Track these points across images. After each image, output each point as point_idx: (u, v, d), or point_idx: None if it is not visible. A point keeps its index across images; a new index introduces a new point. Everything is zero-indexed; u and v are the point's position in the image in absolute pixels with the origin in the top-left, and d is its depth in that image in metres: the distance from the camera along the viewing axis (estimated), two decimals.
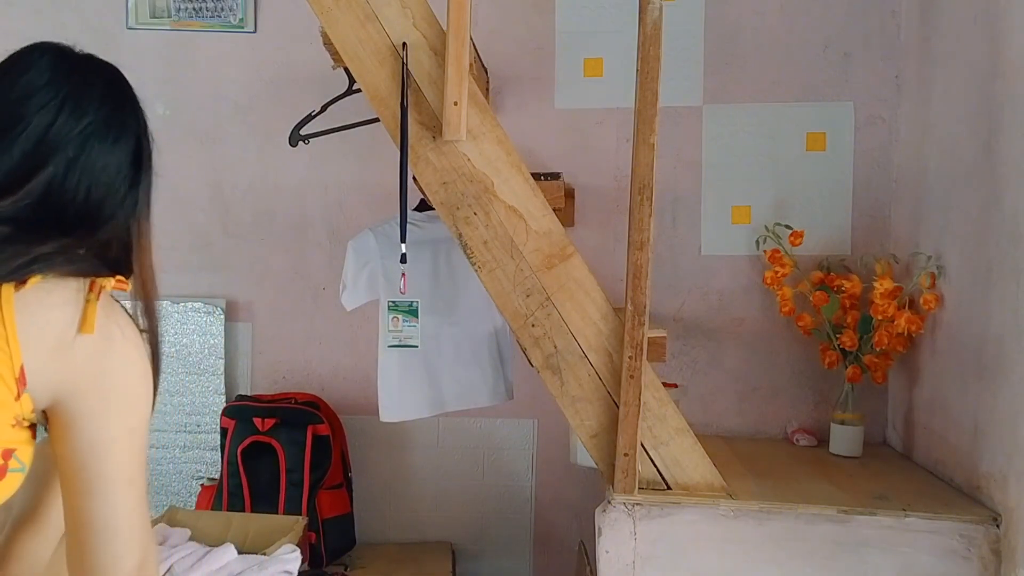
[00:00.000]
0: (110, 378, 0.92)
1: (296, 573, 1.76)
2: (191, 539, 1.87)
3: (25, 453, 0.90)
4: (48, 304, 0.88)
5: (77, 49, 1.02)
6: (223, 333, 2.48)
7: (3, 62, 0.98)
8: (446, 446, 2.50)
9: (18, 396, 0.86)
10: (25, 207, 0.90)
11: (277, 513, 2.19)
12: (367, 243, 2.14)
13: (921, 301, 1.93)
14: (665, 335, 1.80)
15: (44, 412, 0.91)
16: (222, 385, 2.49)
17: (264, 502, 2.23)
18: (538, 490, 2.50)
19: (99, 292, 0.91)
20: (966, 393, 1.78)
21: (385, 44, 1.58)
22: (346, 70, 1.93)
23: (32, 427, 0.91)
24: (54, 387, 0.89)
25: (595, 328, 1.63)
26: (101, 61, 1.04)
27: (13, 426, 0.87)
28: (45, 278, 0.88)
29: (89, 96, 0.98)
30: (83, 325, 0.89)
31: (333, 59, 1.80)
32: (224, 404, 2.44)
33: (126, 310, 0.98)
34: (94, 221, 0.96)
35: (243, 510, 2.21)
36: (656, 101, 1.55)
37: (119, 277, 0.95)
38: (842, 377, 2.11)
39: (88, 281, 0.91)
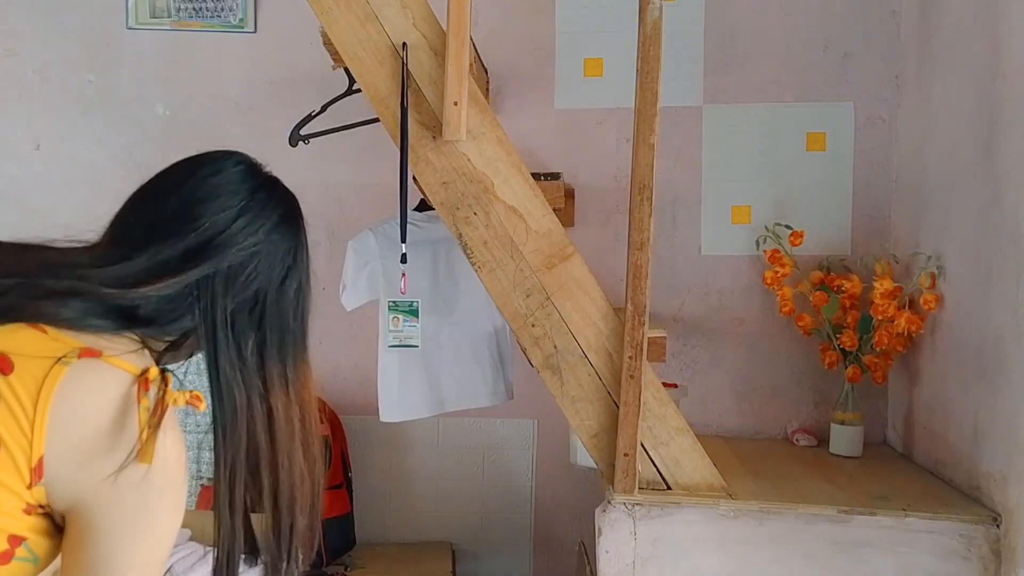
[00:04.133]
0: (146, 508, 0.83)
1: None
2: (191, 539, 1.87)
3: (39, 544, 0.83)
4: (88, 396, 0.81)
5: (266, 168, 1.03)
6: None
7: (195, 159, 0.99)
8: (446, 446, 2.50)
9: (30, 485, 0.80)
10: (162, 300, 0.89)
11: None
12: (367, 243, 2.14)
13: (921, 301, 1.93)
14: (665, 335, 1.80)
15: (62, 514, 0.84)
16: None
17: None
18: (538, 490, 2.50)
19: (162, 412, 0.83)
20: (966, 393, 1.78)
21: (385, 44, 1.58)
22: (346, 70, 1.93)
23: (52, 518, 0.83)
24: (77, 493, 0.81)
25: (595, 328, 1.63)
26: (285, 188, 1.04)
27: (26, 512, 0.80)
28: (103, 358, 0.82)
29: (266, 216, 0.98)
30: (142, 455, 0.80)
31: (333, 59, 1.80)
32: None
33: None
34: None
35: None
36: (656, 101, 1.55)
37: (196, 393, 0.87)
38: (842, 377, 2.11)
39: (134, 380, 0.83)
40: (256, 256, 0.95)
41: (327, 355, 2.49)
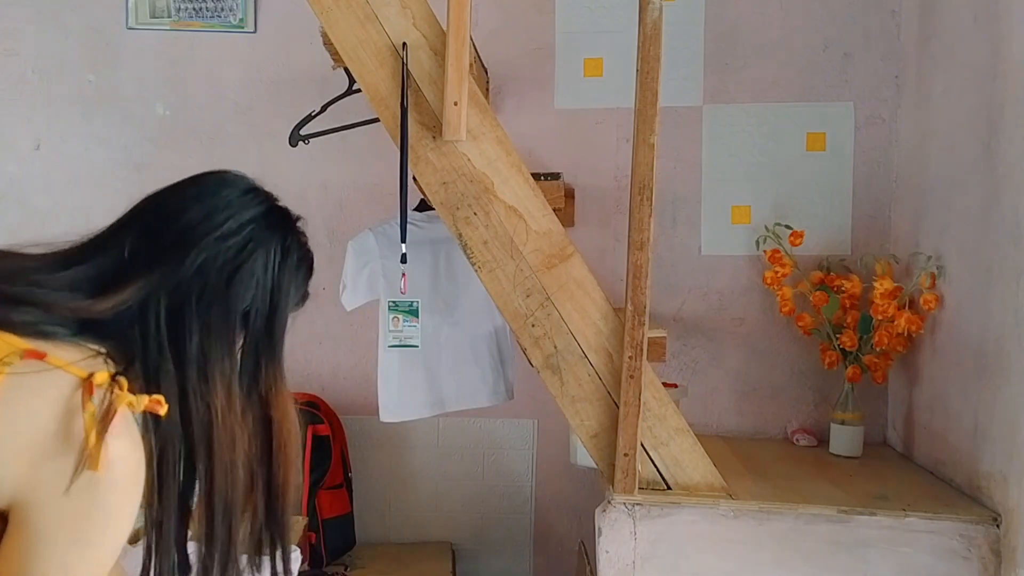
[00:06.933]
0: (89, 515, 0.80)
1: (296, 573, 1.76)
2: (191, 539, 1.86)
3: None
4: (28, 397, 0.79)
5: (257, 183, 1.03)
6: None
7: (186, 180, 0.98)
8: (446, 446, 2.50)
9: None
10: (126, 312, 0.87)
11: None
12: (367, 243, 2.14)
13: (921, 301, 1.93)
14: (665, 335, 1.80)
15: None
16: None
17: None
18: (538, 490, 2.50)
19: (110, 417, 0.80)
20: (966, 393, 1.78)
21: (385, 44, 1.58)
22: (346, 70, 1.93)
23: None
24: (15, 492, 0.79)
25: (595, 328, 1.63)
26: (267, 194, 1.03)
27: None
28: (48, 360, 0.80)
29: (228, 213, 0.97)
30: (89, 461, 0.77)
31: (333, 59, 1.80)
32: None
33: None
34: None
35: None
36: (656, 101, 1.55)
37: (156, 397, 0.84)
38: (842, 377, 2.11)
39: (79, 384, 0.80)
40: (206, 248, 0.92)
41: (327, 355, 2.50)
